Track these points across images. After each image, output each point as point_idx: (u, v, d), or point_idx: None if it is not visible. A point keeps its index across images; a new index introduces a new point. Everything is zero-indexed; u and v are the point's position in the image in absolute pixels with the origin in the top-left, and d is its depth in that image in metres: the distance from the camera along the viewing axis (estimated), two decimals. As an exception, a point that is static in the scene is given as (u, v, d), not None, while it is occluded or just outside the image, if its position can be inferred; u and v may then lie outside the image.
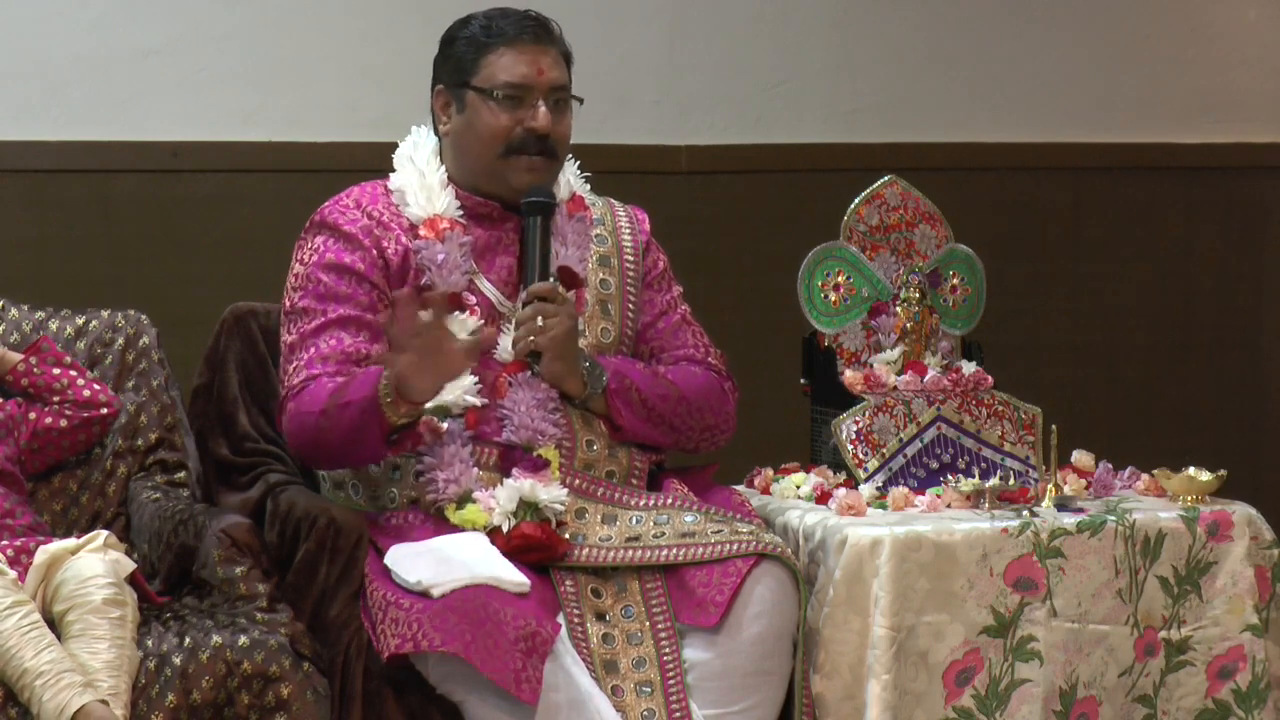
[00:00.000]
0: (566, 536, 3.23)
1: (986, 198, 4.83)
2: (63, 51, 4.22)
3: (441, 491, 3.26)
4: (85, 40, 4.23)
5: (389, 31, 4.40)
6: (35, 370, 3.45)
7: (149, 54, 4.27)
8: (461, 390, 3.29)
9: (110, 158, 4.26)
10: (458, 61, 3.42)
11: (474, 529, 3.23)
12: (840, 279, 3.66)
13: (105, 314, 3.65)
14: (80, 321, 3.63)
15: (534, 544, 3.20)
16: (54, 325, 3.60)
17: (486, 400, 3.31)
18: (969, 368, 3.66)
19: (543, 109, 3.37)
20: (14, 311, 3.61)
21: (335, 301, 3.33)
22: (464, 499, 3.25)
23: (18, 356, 3.45)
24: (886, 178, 3.73)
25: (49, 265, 4.22)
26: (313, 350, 3.30)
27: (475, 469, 3.28)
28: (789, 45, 4.72)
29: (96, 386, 3.49)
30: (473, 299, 3.36)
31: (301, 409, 3.26)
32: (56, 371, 3.46)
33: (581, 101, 3.45)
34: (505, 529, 3.20)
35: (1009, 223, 4.87)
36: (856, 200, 3.69)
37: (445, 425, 3.28)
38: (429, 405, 3.24)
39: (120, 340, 3.62)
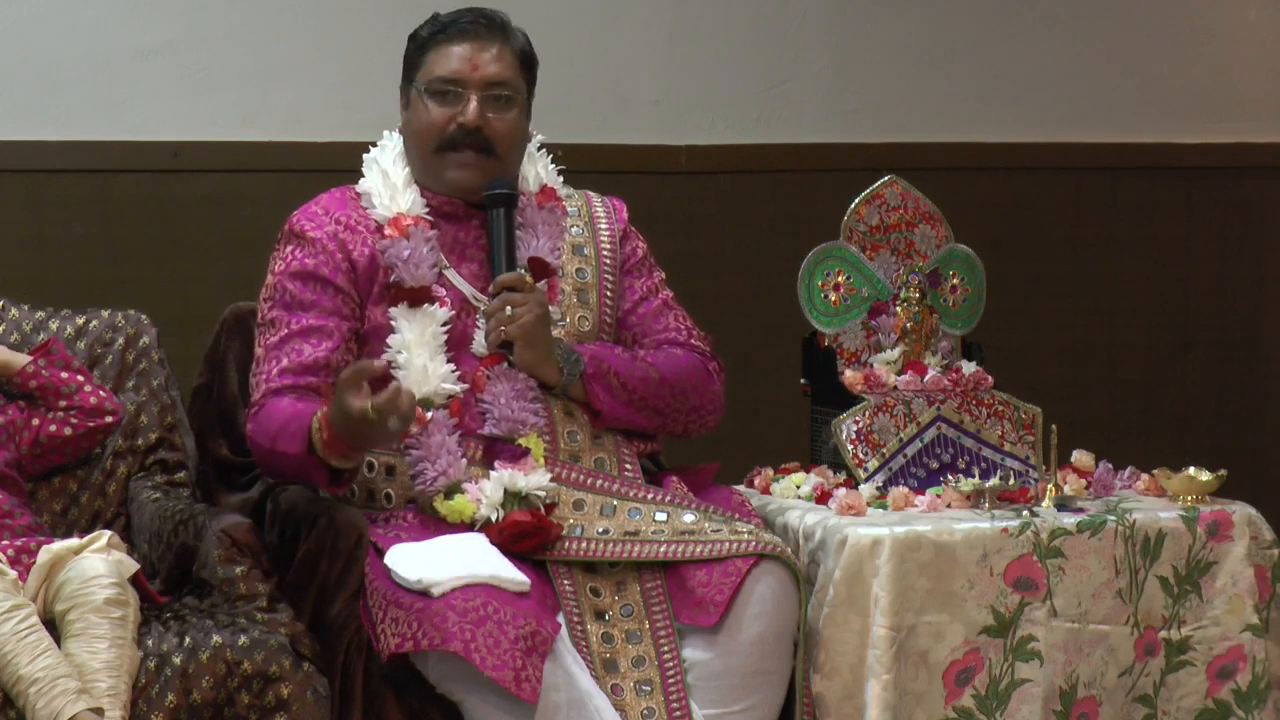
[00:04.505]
0: (564, 530, 3.23)
1: (986, 198, 4.83)
2: (63, 51, 4.22)
3: (430, 484, 3.26)
4: (85, 40, 4.23)
5: (389, 32, 4.34)
6: (44, 373, 3.43)
7: (149, 54, 4.27)
8: (439, 379, 3.30)
9: (110, 158, 4.25)
10: (407, 59, 3.46)
11: (461, 520, 3.23)
12: (840, 279, 3.66)
13: (105, 314, 3.65)
14: (80, 321, 3.63)
15: (527, 530, 3.19)
16: (54, 325, 3.60)
17: (467, 385, 3.31)
18: (969, 368, 3.66)
19: (473, 104, 3.36)
20: (14, 311, 3.61)
21: (300, 310, 3.34)
22: (452, 490, 3.26)
23: (26, 358, 3.44)
24: (886, 178, 3.73)
25: (49, 265, 4.21)
26: (274, 365, 3.32)
27: (464, 460, 3.28)
28: (789, 45, 4.72)
29: (103, 393, 3.48)
30: (443, 291, 3.36)
31: (257, 435, 3.28)
32: (65, 375, 3.45)
33: (522, 99, 3.41)
34: (494, 519, 3.20)
35: (1009, 223, 4.87)
36: (856, 200, 3.69)
37: (430, 415, 3.28)
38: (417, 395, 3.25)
39: (120, 340, 3.62)
